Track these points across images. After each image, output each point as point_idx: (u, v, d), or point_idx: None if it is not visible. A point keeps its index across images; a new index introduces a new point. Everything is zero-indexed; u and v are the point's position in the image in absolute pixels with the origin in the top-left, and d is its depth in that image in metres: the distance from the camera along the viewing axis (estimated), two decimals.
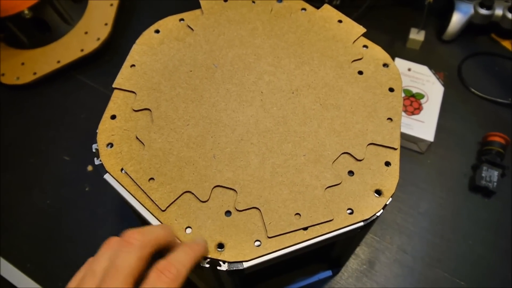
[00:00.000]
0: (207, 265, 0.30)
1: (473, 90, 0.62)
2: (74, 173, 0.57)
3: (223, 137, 0.35)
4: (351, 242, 0.40)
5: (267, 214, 0.31)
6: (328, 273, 0.48)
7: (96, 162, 0.35)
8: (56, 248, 0.52)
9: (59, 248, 0.52)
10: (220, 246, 0.31)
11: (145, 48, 0.40)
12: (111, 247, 0.26)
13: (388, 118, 0.35)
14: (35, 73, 0.63)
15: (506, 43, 0.67)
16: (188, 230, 0.31)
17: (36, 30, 0.63)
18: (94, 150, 0.35)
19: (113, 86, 0.37)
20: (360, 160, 0.34)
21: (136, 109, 0.36)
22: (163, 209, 0.31)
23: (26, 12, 0.59)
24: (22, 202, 0.55)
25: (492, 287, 0.48)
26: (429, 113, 0.56)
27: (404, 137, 0.55)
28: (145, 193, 0.32)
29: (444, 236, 0.51)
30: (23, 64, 0.64)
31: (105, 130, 0.36)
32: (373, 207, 0.32)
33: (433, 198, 0.54)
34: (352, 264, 0.50)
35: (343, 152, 0.34)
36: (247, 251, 0.30)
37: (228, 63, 0.39)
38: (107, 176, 0.34)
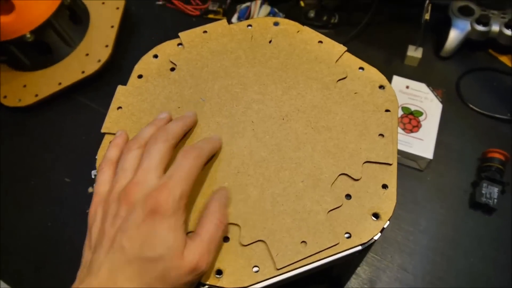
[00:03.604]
0: None
1: (471, 106, 0.62)
2: (75, 195, 0.57)
3: (220, 171, 0.34)
4: (351, 263, 0.40)
5: (273, 246, 0.31)
6: None
7: (90, 190, 0.35)
8: (54, 270, 0.52)
9: (57, 271, 0.52)
10: (219, 272, 0.31)
11: (130, 88, 0.40)
12: (133, 149, 0.32)
13: (380, 134, 0.35)
14: (36, 95, 0.63)
15: (504, 58, 0.68)
16: None
17: (37, 53, 0.64)
18: (93, 177, 0.35)
19: (102, 131, 0.37)
20: (357, 180, 0.34)
21: None
22: None
23: (28, 35, 0.60)
24: (23, 223, 0.56)
25: None
26: (428, 130, 0.56)
27: (404, 155, 0.55)
28: None
29: (444, 254, 0.51)
30: (25, 86, 0.65)
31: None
32: (370, 230, 0.32)
33: (433, 216, 0.54)
34: (353, 284, 0.49)
35: (340, 173, 0.34)
36: (246, 278, 0.30)
37: (215, 96, 0.39)
38: None
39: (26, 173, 0.60)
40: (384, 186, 0.34)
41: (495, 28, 0.64)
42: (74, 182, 0.58)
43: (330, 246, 0.31)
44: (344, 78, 0.39)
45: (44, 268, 0.52)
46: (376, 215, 0.32)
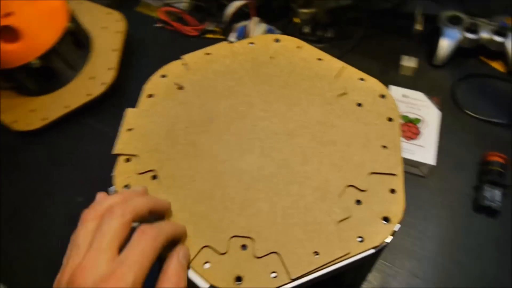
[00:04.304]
0: None
1: (468, 112, 0.64)
2: None
3: (231, 187, 0.36)
4: (363, 269, 0.41)
5: (286, 257, 0.32)
6: None
7: None
8: None
9: None
10: (239, 279, 0.32)
11: (139, 111, 0.41)
12: (89, 220, 0.29)
13: (383, 146, 0.37)
14: (44, 119, 0.65)
15: (495, 64, 0.70)
16: (207, 265, 0.32)
17: (44, 78, 0.66)
18: (112, 192, 0.37)
19: (114, 152, 0.38)
20: (364, 191, 0.35)
21: (140, 172, 0.37)
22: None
23: (35, 62, 0.62)
24: (38, 246, 0.56)
25: None
26: (428, 137, 0.58)
27: (406, 162, 0.57)
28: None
29: (452, 258, 0.52)
30: (33, 111, 0.66)
31: (121, 173, 0.37)
32: (382, 234, 0.33)
33: (439, 221, 0.55)
34: None
35: (347, 185, 0.35)
36: (265, 283, 0.31)
37: (222, 115, 0.40)
38: None
39: (37, 196, 0.61)
40: (392, 191, 0.35)
41: (485, 35, 0.66)
42: (86, 201, 0.59)
43: (341, 255, 0.32)
44: (345, 93, 0.41)
45: None
46: (386, 219, 0.34)
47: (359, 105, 0.40)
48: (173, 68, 0.45)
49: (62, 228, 0.57)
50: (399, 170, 0.36)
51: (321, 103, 0.40)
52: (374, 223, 0.33)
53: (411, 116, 0.60)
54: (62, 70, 0.66)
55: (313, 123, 0.39)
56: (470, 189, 0.57)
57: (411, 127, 0.59)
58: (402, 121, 0.59)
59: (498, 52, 0.68)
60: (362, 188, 0.35)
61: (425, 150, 0.56)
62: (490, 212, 0.54)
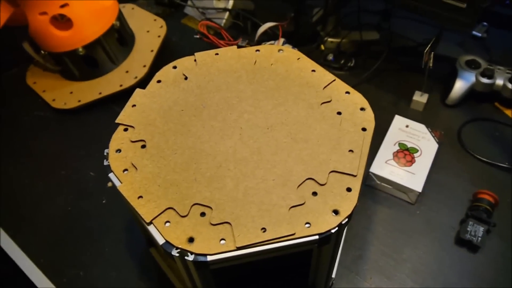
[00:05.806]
0: (177, 254, 0.35)
1: (469, 151, 0.65)
2: (96, 187, 0.65)
3: (205, 163, 0.40)
4: (319, 264, 0.44)
5: (237, 228, 0.36)
6: None
7: (105, 163, 0.42)
8: (67, 249, 0.58)
9: (69, 250, 0.58)
10: (191, 240, 0.36)
11: (146, 92, 0.48)
12: None
13: (350, 150, 0.40)
14: (79, 101, 0.73)
15: (509, 112, 0.71)
16: (167, 224, 0.37)
17: (86, 66, 0.75)
18: (105, 154, 0.42)
19: (116, 121, 0.44)
20: (322, 185, 0.38)
21: (133, 140, 0.43)
22: (147, 221, 0.36)
23: (80, 49, 0.71)
24: (48, 206, 0.63)
25: None
26: (421, 166, 0.59)
27: (395, 186, 0.59)
28: (134, 208, 0.38)
29: (424, 283, 0.53)
30: (71, 93, 0.75)
31: (117, 139, 0.43)
32: (329, 223, 0.36)
33: (417, 246, 0.56)
34: None
35: (307, 177, 0.39)
36: (213, 247, 0.35)
37: (215, 104, 0.45)
38: (111, 175, 0.41)
39: (59, 165, 0.68)
40: (348, 189, 0.38)
41: (499, 81, 0.68)
42: (97, 176, 0.66)
43: (286, 235, 0.35)
44: (329, 101, 0.45)
45: (58, 245, 0.59)
46: (336, 212, 0.37)
47: (339, 113, 0.44)
48: (184, 62, 0.51)
49: (73, 197, 0.64)
50: (360, 172, 0.39)
51: (304, 107, 0.45)
52: (324, 213, 0.37)
53: (409, 145, 0.62)
54: (103, 61, 0.75)
55: (292, 122, 0.43)
56: (455, 223, 0.58)
57: (406, 155, 0.61)
58: (398, 148, 0.62)
59: None
60: (321, 182, 0.38)
61: (415, 177, 0.58)
62: (470, 247, 0.55)
